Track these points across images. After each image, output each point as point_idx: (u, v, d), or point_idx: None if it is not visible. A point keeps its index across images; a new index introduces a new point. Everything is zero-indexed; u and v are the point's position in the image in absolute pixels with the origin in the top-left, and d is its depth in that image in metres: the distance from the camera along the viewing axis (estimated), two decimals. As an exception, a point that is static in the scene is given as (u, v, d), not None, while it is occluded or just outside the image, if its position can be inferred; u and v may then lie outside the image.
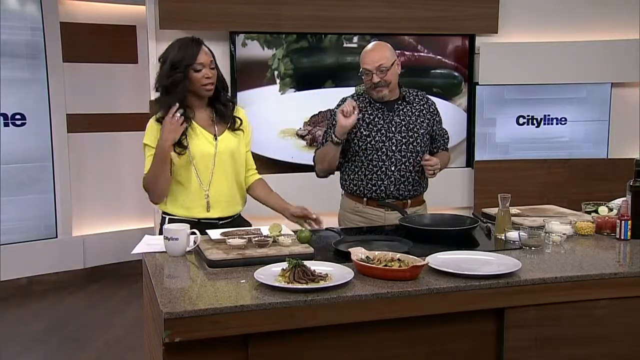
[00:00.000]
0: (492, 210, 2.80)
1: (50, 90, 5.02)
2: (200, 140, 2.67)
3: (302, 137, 4.82)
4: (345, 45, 4.82)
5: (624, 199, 2.61)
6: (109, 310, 4.60)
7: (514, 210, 2.77)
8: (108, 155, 5.35)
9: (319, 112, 4.80)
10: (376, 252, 2.16)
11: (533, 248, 2.40)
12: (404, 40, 4.89)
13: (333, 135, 2.87)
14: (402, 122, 2.99)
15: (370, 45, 3.00)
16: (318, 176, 3.10)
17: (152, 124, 2.68)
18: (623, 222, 2.52)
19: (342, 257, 2.24)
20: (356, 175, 3.02)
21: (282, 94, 4.74)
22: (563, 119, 5.13)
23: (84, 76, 5.16)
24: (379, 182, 2.97)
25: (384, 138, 2.97)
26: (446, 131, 3.18)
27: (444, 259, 2.18)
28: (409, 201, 3.02)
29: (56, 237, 5.14)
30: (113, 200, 5.39)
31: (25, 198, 5.00)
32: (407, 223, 2.68)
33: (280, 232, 2.41)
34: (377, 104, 3.01)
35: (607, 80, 5.07)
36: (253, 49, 4.64)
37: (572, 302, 2.12)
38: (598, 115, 5.13)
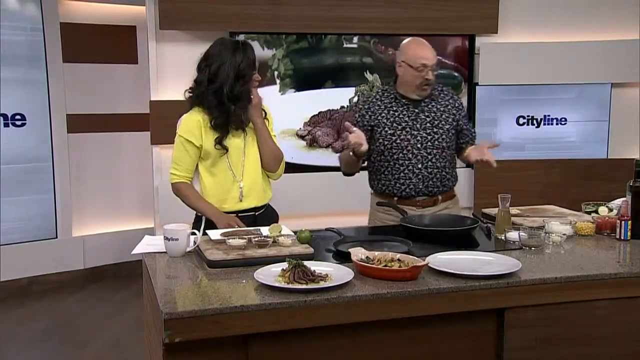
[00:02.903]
0: (492, 211, 2.80)
1: (50, 90, 5.01)
2: (231, 134, 2.76)
3: (302, 137, 4.81)
4: (345, 45, 4.82)
5: (624, 199, 2.61)
6: (109, 310, 4.60)
7: (514, 210, 2.76)
8: (108, 156, 5.34)
9: (319, 113, 4.80)
10: (376, 253, 2.16)
11: (533, 248, 2.40)
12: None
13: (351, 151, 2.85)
14: (427, 119, 2.96)
15: (420, 40, 2.96)
16: (345, 175, 3.08)
17: (190, 119, 2.74)
18: (623, 222, 2.51)
19: (342, 258, 2.24)
20: (383, 175, 3.00)
21: (282, 94, 4.73)
22: (563, 119, 5.13)
23: (84, 76, 5.16)
24: (407, 181, 2.95)
25: (409, 136, 2.94)
26: (472, 126, 3.13)
27: (444, 259, 2.18)
28: (440, 197, 3.00)
29: (56, 237, 5.13)
30: (113, 200, 5.38)
31: (25, 198, 4.99)
32: (407, 223, 2.67)
33: (280, 232, 2.41)
34: (403, 100, 2.98)
35: (607, 80, 5.06)
36: (253, 49, 4.63)
37: (572, 302, 2.12)
38: (598, 115, 5.12)
